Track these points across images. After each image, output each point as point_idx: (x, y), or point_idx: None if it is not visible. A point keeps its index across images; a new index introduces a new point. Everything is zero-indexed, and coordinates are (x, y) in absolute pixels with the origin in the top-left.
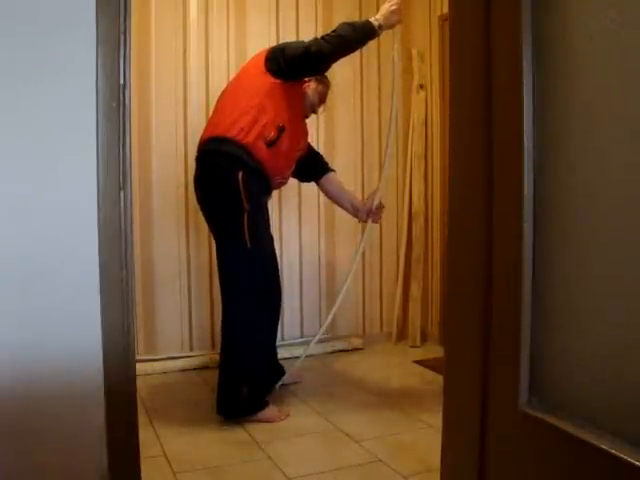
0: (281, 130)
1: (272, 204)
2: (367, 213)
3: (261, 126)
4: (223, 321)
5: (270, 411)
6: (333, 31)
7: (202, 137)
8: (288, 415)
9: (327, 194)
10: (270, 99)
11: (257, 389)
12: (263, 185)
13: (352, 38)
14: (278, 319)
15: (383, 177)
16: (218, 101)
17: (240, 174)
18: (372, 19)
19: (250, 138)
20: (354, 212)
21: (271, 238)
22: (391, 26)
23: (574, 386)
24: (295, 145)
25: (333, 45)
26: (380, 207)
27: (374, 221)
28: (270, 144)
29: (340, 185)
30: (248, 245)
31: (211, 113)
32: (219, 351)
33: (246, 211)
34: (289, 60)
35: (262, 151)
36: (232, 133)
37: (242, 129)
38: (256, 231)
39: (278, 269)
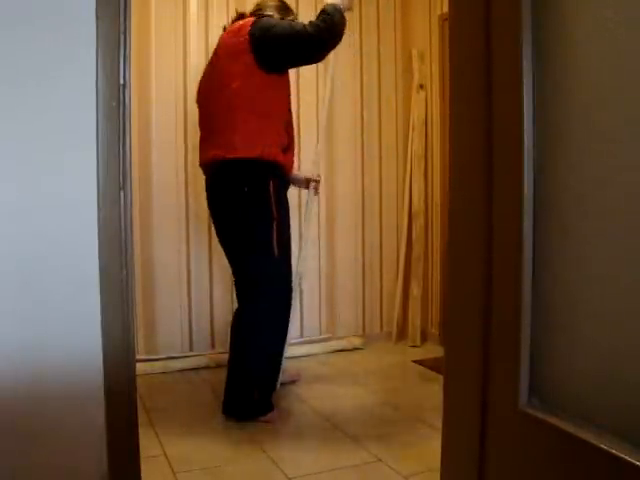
0: (287, 126)
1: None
2: (306, 182)
3: (275, 135)
4: (238, 324)
5: (275, 413)
6: (317, 19)
7: (217, 156)
8: (288, 415)
9: None
10: (267, 100)
11: (267, 392)
12: (286, 187)
13: (338, 20)
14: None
15: (318, 150)
16: (207, 101)
17: (271, 183)
18: (332, 4)
19: (273, 150)
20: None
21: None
22: (349, 8)
23: (574, 386)
24: (292, 124)
25: (328, 28)
26: (317, 178)
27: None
28: (285, 149)
29: None
30: (275, 254)
31: (200, 109)
32: (229, 351)
33: (275, 220)
34: (284, 50)
35: (281, 157)
36: (256, 152)
37: (265, 145)
38: (282, 239)
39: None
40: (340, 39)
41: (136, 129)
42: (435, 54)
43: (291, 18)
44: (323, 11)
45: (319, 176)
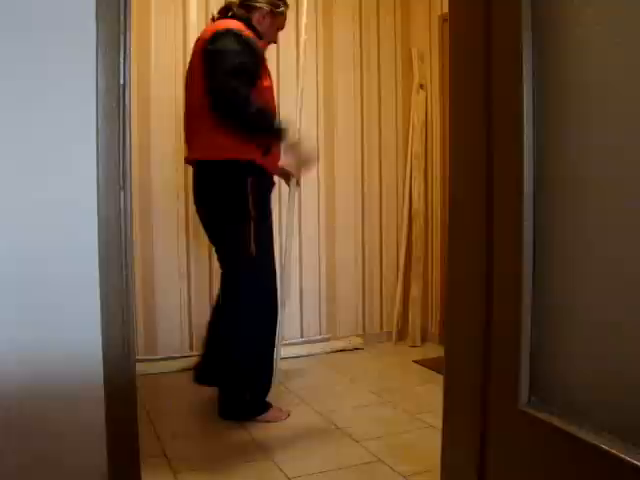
0: None
1: (272, 204)
2: (286, 175)
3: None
4: (221, 323)
5: (272, 412)
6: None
7: (197, 157)
8: (289, 415)
9: None
10: None
11: (259, 393)
12: (269, 184)
13: (269, 131)
14: (277, 318)
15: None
16: (187, 100)
17: (249, 183)
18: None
19: (250, 152)
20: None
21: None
22: (300, 164)
23: (574, 386)
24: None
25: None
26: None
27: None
28: (265, 152)
29: None
30: (254, 253)
31: (184, 108)
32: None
33: (253, 219)
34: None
35: (261, 159)
36: (233, 154)
37: (240, 147)
38: (261, 239)
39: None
40: (247, 131)
41: (136, 129)
42: (435, 54)
43: (282, 10)
44: (276, 125)
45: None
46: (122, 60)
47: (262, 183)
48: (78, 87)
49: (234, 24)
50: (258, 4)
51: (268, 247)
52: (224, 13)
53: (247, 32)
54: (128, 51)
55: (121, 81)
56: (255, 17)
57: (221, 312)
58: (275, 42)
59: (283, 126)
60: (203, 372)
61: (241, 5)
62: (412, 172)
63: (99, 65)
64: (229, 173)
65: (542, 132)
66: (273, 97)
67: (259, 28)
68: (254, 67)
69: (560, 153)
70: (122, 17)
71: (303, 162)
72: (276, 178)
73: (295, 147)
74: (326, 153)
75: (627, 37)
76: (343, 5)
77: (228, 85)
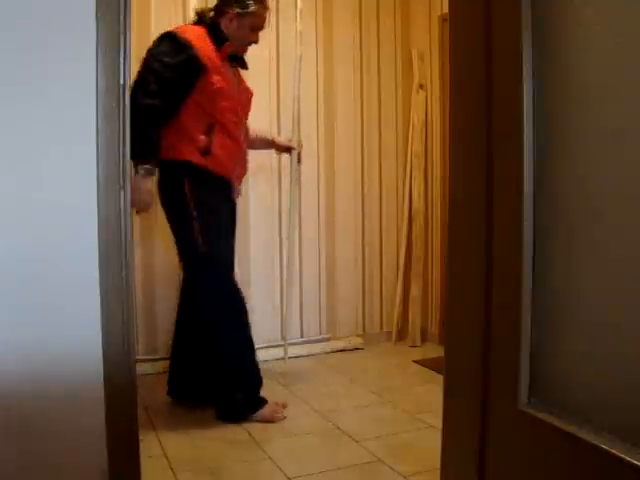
0: (210, 129)
1: (272, 204)
2: (287, 149)
3: (186, 138)
4: (192, 329)
5: (268, 407)
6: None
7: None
8: (285, 406)
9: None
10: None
11: (250, 389)
12: (213, 185)
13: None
14: (247, 316)
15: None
16: None
17: (186, 184)
18: (145, 167)
19: (186, 152)
20: (270, 145)
21: (228, 241)
22: (138, 202)
23: (574, 386)
24: (239, 122)
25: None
26: (294, 145)
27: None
28: (204, 152)
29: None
30: (203, 253)
31: None
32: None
33: (195, 219)
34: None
35: (198, 159)
36: (168, 155)
37: (176, 148)
38: (209, 239)
39: (234, 271)
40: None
41: None
42: (435, 54)
43: (252, 10)
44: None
45: (300, 145)
46: (122, 60)
47: (203, 184)
48: (78, 87)
49: (183, 28)
50: (227, 8)
51: (219, 247)
52: (197, 20)
53: (190, 35)
54: (128, 51)
55: (121, 81)
56: (223, 22)
57: (185, 318)
58: (256, 42)
59: (143, 157)
60: (175, 386)
61: (214, 11)
62: (412, 172)
63: (99, 65)
64: (168, 173)
65: (542, 132)
66: (232, 97)
67: (226, 31)
68: (183, 67)
69: (560, 153)
70: (122, 17)
71: (136, 200)
72: (274, 159)
73: (136, 184)
74: (326, 153)
75: (627, 37)
76: (343, 8)
77: (140, 97)
